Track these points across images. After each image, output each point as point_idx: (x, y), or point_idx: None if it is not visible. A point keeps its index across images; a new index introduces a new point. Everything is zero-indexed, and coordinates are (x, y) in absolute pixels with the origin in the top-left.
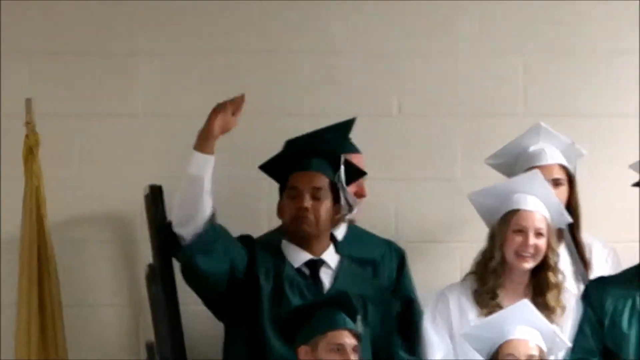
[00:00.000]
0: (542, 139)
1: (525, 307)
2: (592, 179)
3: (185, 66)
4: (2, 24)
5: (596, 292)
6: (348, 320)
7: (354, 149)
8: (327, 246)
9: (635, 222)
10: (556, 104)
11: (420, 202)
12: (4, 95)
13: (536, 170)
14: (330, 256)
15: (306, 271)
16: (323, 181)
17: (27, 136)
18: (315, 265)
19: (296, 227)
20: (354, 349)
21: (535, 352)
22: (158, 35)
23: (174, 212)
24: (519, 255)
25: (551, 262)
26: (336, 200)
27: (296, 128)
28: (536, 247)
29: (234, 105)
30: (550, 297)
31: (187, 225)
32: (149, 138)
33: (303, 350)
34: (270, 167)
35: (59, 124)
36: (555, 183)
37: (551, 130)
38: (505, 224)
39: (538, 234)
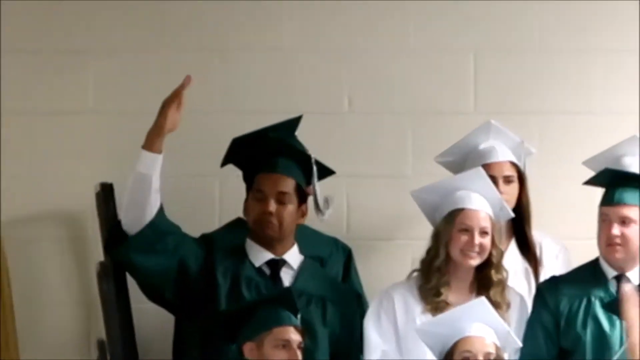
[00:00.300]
0: (492, 137)
1: (482, 305)
2: (542, 177)
3: (136, 63)
4: None
5: (550, 292)
6: (293, 316)
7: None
8: (291, 246)
9: (586, 220)
10: (506, 101)
11: (371, 199)
12: None
13: (479, 168)
14: (293, 256)
15: (267, 270)
16: (289, 185)
17: None
18: (276, 265)
19: (259, 230)
20: (299, 346)
21: (492, 350)
22: (109, 32)
23: (122, 211)
24: (465, 254)
25: (494, 259)
26: (302, 201)
27: (246, 126)
28: (481, 246)
29: (176, 97)
30: (494, 293)
31: (135, 224)
32: (100, 135)
33: (248, 347)
34: (238, 164)
35: (9, 122)
36: (506, 180)
37: (501, 128)
38: (450, 223)
39: (483, 233)
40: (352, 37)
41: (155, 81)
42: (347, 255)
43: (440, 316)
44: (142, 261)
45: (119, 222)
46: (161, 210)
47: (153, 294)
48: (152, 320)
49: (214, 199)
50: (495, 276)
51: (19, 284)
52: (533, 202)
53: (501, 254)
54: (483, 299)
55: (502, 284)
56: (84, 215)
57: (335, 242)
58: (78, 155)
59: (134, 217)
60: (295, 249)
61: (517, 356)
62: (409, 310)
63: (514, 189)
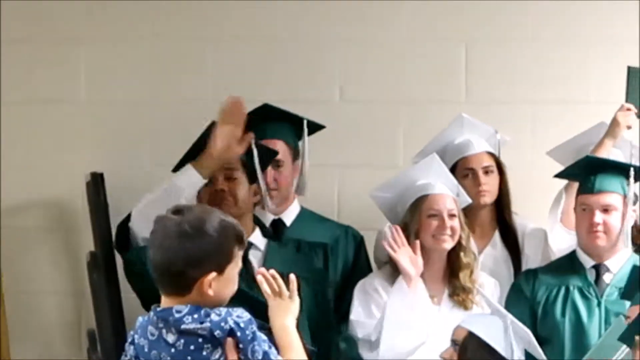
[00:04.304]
0: (467, 130)
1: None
2: (535, 166)
3: (128, 53)
4: None
5: (527, 282)
6: None
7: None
8: (253, 229)
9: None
10: (498, 91)
11: (362, 189)
12: None
13: (433, 154)
14: (258, 238)
15: None
16: (235, 163)
17: None
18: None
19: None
20: None
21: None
22: (102, 21)
23: (139, 208)
24: (437, 238)
25: (463, 242)
26: (252, 181)
27: None
28: (452, 228)
29: (235, 122)
30: (464, 276)
31: (145, 227)
32: (91, 125)
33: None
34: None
35: (2, 111)
36: (486, 171)
37: (474, 120)
38: (416, 211)
39: (451, 216)
40: (344, 26)
41: (147, 70)
42: (358, 243)
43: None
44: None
45: (127, 218)
46: None
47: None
48: (143, 310)
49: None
50: (464, 258)
51: (9, 273)
52: (525, 191)
53: (468, 236)
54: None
55: (471, 266)
56: (75, 205)
57: (345, 229)
58: (69, 144)
59: (147, 218)
60: (258, 232)
61: None
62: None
63: (494, 179)
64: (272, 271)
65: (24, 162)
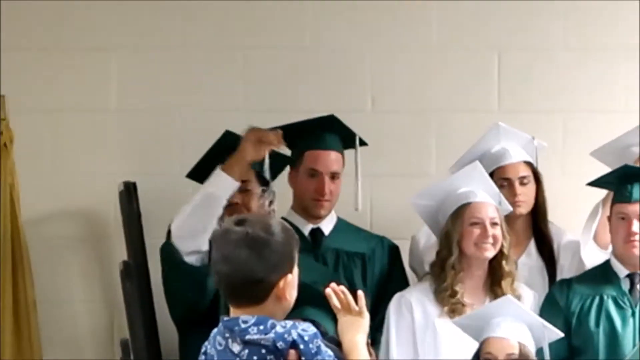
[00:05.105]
0: (503, 139)
1: (507, 303)
2: (566, 175)
3: (160, 60)
4: None
5: (561, 292)
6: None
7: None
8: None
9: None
10: (531, 99)
11: (395, 198)
12: None
13: (475, 162)
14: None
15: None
16: (250, 174)
17: (0, 132)
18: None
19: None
20: None
21: (515, 350)
22: (132, 28)
23: (177, 223)
24: (479, 247)
25: (505, 250)
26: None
27: (269, 126)
28: (494, 237)
29: (269, 138)
30: (505, 285)
31: (188, 240)
32: (123, 133)
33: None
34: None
35: (32, 120)
36: (522, 181)
37: (510, 128)
38: (459, 220)
39: (493, 224)
40: (375, 35)
41: (179, 78)
42: (393, 253)
43: (468, 315)
44: (210, 282)
45: (168, 232)
46: None
47: (186, 316)
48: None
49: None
50: (506, 266)
51: (42, 283)
52: (557, 200)
53: (510, 245)
54: (509, 296)
55: (512, 275)
56: (107, 214)
57: (381, 240)
58: (101, 153)
59: (189, 234)
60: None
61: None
62: (427, 313)
63: (530, 189)
64: (342, 286)
65: (58, 172)
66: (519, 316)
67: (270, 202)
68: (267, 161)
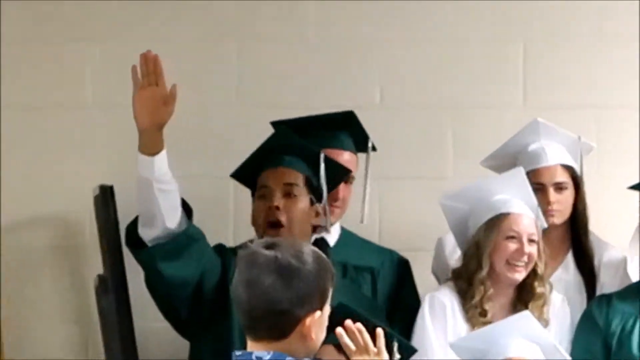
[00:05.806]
0: (543, 137)
1: (524, 320)
2: (600, 177)
3: (140, 52)
4: None
5: (600, 310)
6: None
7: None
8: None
9: None
10: (559, 94)
11: (407, 204)
12: None
13: (519, 168)
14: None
15: None
16: (297, 177)
17: None
18: None
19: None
20: None
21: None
22: (108, 19)
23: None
24: (511, 265)
25: (539, 270)
26: (315, 200)
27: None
28: (530, 256)
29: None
30: (534, 307)
31: (146, 226)
32: (100, 132)
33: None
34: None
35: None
36: (558, 188)
37: (552, 125)
38: (493, 230)
39: (531, 241)
40: (384, 24)
41: (166, 73)
42: (403, 268)
43: (479, 331)
44: (166, 268)
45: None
46: (187, 215)
47: (171, 309)
48: (157, 339)
49: (228, 202)
50: (538, 288)
51: (7, 297)
52: (591, 203)
53: (545, 265)
54: (527, 312)
55: (544, 297)
56: (81, 222)
57: (390, 253)
58: (75, 153)
59: (144, 220)
60: None
61: None
62: (457, 325)
63: (567, 197)
64: (359, 324)
65: (25, 174)
66: (533, 336)
67: (317, 214)
68: (322, 166)
